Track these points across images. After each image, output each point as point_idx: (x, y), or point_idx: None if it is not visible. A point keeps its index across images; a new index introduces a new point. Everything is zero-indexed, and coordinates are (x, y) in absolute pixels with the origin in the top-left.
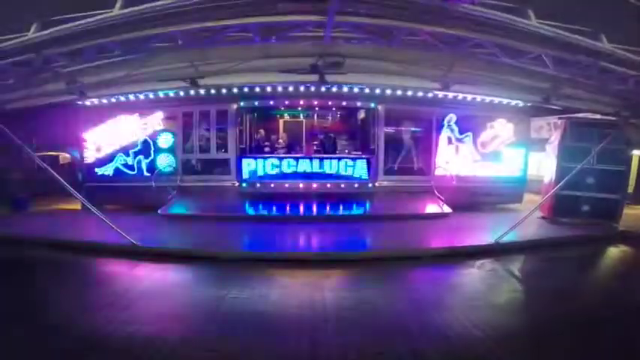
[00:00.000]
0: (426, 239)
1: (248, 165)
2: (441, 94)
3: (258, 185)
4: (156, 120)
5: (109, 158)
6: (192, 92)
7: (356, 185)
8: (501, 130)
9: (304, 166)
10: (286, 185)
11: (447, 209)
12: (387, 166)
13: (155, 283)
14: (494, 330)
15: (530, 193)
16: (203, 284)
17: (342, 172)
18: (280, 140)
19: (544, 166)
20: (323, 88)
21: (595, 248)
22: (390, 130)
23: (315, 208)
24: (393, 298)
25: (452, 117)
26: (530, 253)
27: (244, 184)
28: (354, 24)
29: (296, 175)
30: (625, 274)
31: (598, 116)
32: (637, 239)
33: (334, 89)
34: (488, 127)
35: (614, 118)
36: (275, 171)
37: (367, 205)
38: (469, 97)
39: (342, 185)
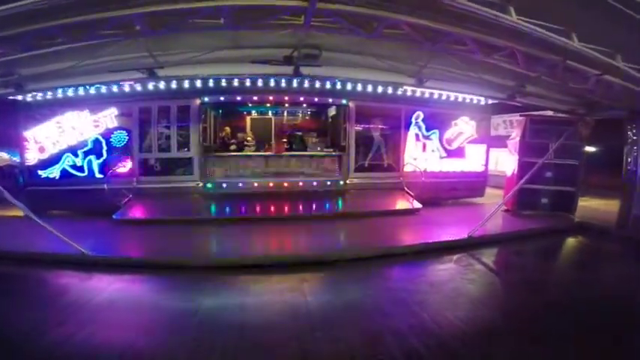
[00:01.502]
0: (402, 236)
1: (213, 164)
2: (409, 90)
3: (224, 185)
4: (109, 116)
5: (55, 159)
6: (150, 87)
7: (328, 183)
8: (465, 127)
9: (275, 164)
10: (255, 185)
11: (417, 205)
12: (358, 164)
13: (112, 298)
14: (482, 325)
15: (490, 187)
16: (169, 297)
17: (314, 170)
18: (248, 138)
19: (502, 161)
20: (294, 84)
21: (558, 240)
22: (360, 127)
23: (287, 208)
24: (378, 299)
25: (419, 114)
26: (501, 246)
27: (209, 185)
28: (336, 11)
29: (265, 174)
30: (588, 264)
31: (550, 113)
32: (592, 230)
33: (306, 85)
34: (453, 124)
35: (568, 116)
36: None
37: (340, 202)
38: (435, 94)
39: (314, 183)
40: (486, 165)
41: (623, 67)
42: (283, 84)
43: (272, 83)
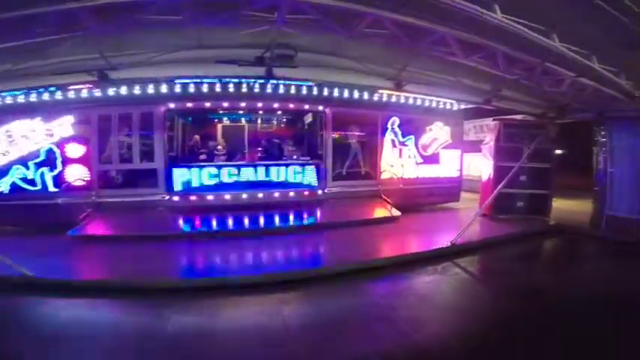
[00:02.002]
0: (385, 247)
1: (180, 175)
2: (385, 95)
3: (193, 198)
4: (64, 125)
5: (3, 172)
6: (111, 92)
7: (306, 193)
8: (439, 132)
9: (248, 174)
10: (227, 197)
11: (395, 212)
12: (336, 172)
13: (61, 328)
14: (482, 342)
15: (463, 191)
16: (130, 325)
17: (291, 180)
18: (219, 147)
19: (474, 166)
20: (268, 89)
21: (537, 244)
22: (337, 134)
23: (262, 221)
24: (366, 319)
25: (395, 120)
26: (484, 252)
27: (176, 198)
28: (314, 5)
29: (238, 185)
30: (572, 267)
31: (519, 117)
32: (568, 232)
33: (280, 91)
34: (428, 129)
35: (535, 119)
36: (213, 181)
37: (318, 213)
38: (410, 99)
39: (291, 194)
40: (461, 170)
41: (599, 69)
42: (257, 89)
43: (244, 89)
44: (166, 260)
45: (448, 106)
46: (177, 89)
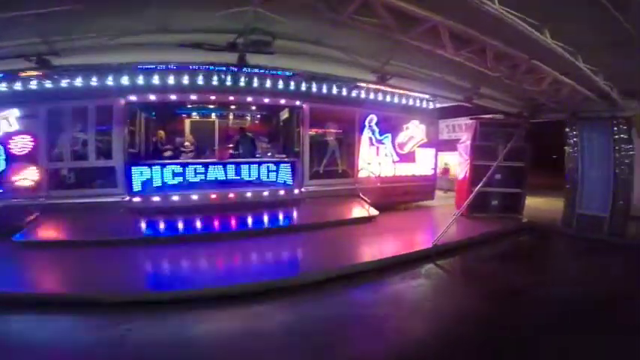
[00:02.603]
0: (365, 250)
1: (141, 174)
2: (364, 92)
3: (156, 199)
4: (8, 118)
5: None
6: (64, 84)
7: (281, 192)
8: (415, 131)
9: (217, 173)
10: (194, 197)
11: (373, 212)
12: (313, 170)
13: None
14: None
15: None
16: (82, 346)
17: (264, 179)
18: (187, 143)
19: (449, 164)
20: (241, 82)
21: (513, 243)
22: (315, 131)
23: (233, 223)
24: (351, 335)
25: (373, 117)
26: (465, 252)
27: (137, 199)
28: None
29: (207, 184)
30: (548, 267)
31: (492, 116)
32: (541, 230)
33: (254, 84)
34: (405, 128)
35: (509, 119)
36: (178, 180)
37: (294, 214)
38: (388, 97)
39: (265, 193)
40: (435, 168)
41: (583, 67)
42: (228, 82)
43: (215, 81)
44: (126, 269)
45: (424, 105)
46: (140, 81)
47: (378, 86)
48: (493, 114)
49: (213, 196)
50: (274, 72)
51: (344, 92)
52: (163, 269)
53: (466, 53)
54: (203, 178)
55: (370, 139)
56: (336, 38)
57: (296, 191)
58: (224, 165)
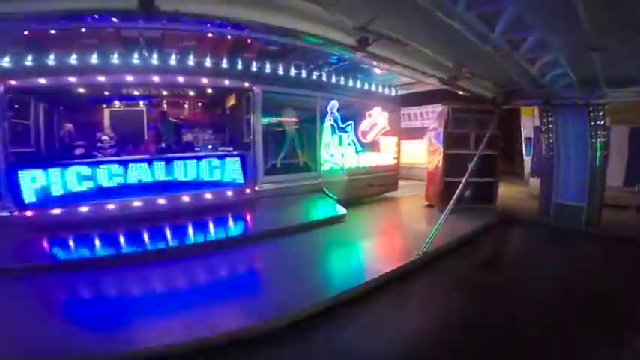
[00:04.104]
0: (343, 266)
1: (33, 180)
2: (325, 75)
3: (56, 212)
4: None
5: None
6: None
7: (229, 194)
8: (379, 118)
9: (141, 173)
10: (111, 207)
11: (341, 210)
12: (269, 165)
13: None
14: None
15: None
16: None
17: (206, 178)
18: (104, 137)
19: (410, 153)
20: (172, 61)
21: (496, 237)
22: (269, 118)
23: (163, 239)
24: None
25: (335, 103)
26: (451, 257)
27: (29, 213)
28: None
29: (128, 190)
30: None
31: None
32: (516, 222)
33: (189, 62)
34: (368, 115)
35: (486, 106)
36: (87, 186)
37: (248, 219)
38: (350, 82)
39: (208, 197)
40: (398, 158)
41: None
42: (154, 60)
43: (135, 59)
44: (11, 315)
45: (387, 91)
46: (29, 62)
47: (356, 53)
48: (460, 100)
49: (138, 204)
50: (206, 23)
51: (303, 74)
52: (71, 314)
53: (477, 14)
54: (122, 181)
55: (333, 127)
56: None
57: (249, 191)
58: (150, 163)
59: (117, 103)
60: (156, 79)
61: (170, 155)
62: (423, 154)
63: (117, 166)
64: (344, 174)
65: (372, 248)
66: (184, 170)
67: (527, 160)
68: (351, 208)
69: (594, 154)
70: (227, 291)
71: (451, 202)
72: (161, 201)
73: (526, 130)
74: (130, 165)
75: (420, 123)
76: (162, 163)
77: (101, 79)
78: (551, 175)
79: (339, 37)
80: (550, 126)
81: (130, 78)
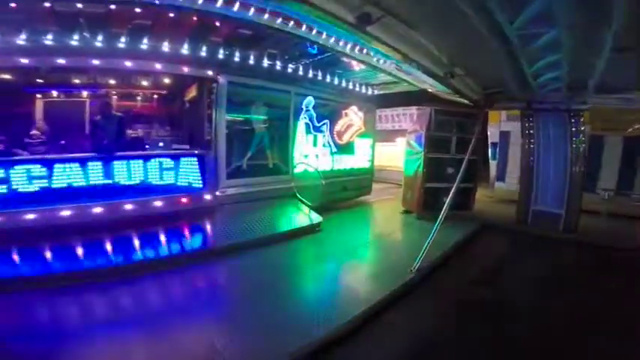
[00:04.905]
0: (323, 292)
1: None
2: (301, 68)
3: None
4: None
5: None
6: None
7: (184, 200)
8: (354, 118)
9: (71, 175)
10: (29, 217)
11: (316, 218)
12: (233, 166)
13: None
14: None
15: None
16: None
17: (156, 181)
18: (35, 131)
19: (386, 156)
20: (121, 43)
21: (482, 245)
22: (235, 114)
23: (99, 256)
24: None
25: (310, 100)
26: (441, 272)
27: None
28: None
29: (54, 196)
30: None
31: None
32: (495, 228)
33: (142, 45)
34: (344, 114)
35: (468, 109)
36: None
37: (207, 230)
38: (328, 77)
39: (158, 204)
40: (373, 160)
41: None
42: (99, 43)
43: (73, 40)
44: None
45: (364, 90)
46: None
47: (355, 30)
48: (439, 104)
49: (67, 213)
50: None
51: (277, 65)
52: None
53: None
54: (46, 185)
55: (307, 125)
56: None
57: (208, 197)
58: (82, 162)
59: (54, 93)
60: (96, 62)
61: (109, 154)
62: (394, 156)
63: (39, 166)
64: (321, 177)
65: (355, 266)
66: (127, 172)
67: (493, 164)
68: (326, 214)
69: (574, 159)
70: (168, 335)
71: (442, 212)
72: (97, 209)
73: (492, 135)
74: (55, 165)
75: (391, 125)
76: (99, 163)
77: (24, 61)
78: (530, 180)
79: (341, 12)
80: (531, 131)
81: (61, 61)
